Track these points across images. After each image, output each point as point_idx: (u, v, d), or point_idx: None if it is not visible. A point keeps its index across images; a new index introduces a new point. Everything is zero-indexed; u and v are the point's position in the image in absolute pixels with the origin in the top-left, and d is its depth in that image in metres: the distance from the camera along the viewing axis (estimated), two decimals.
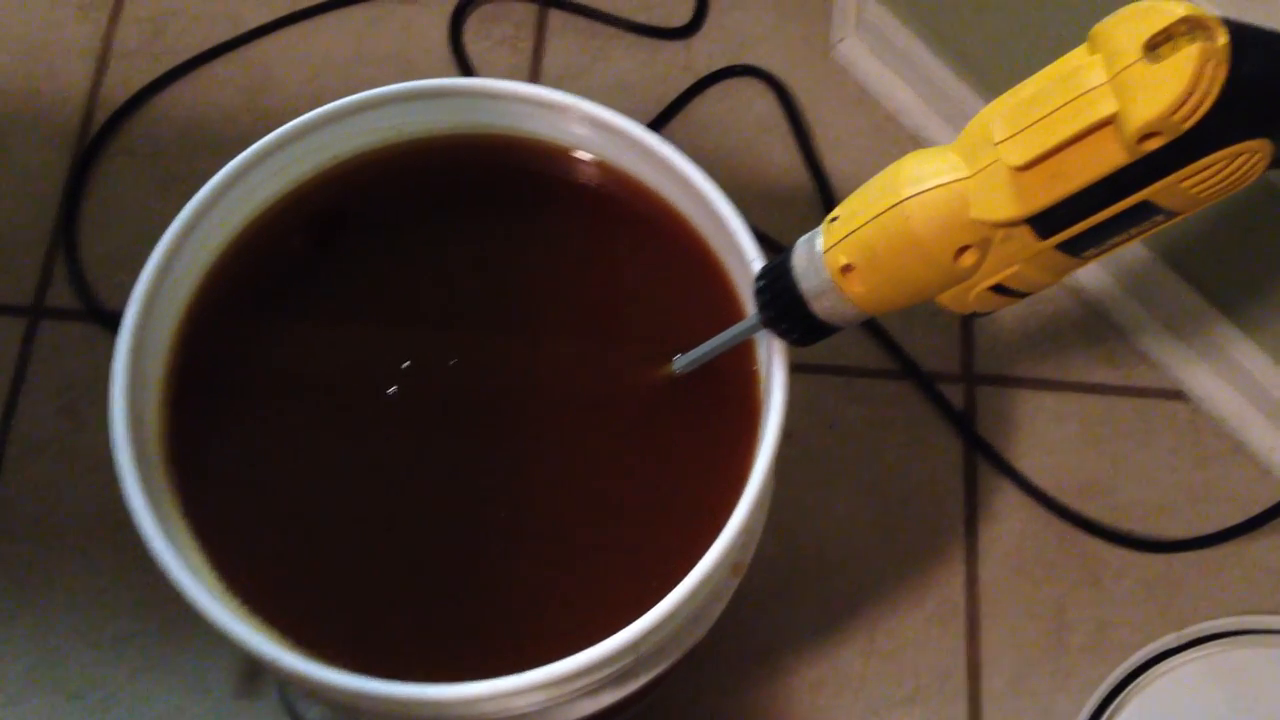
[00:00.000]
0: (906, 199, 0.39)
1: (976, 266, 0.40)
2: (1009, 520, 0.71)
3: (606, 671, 0.43)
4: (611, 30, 0.83)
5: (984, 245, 0.39)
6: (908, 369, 0.74)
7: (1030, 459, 0.72)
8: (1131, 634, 0.68)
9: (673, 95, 0.81)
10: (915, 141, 0.79)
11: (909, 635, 0.68)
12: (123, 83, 0.82)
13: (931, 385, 0.73)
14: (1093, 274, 0.74)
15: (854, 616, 0.69)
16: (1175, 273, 0.70)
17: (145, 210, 0.78)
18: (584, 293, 0.52)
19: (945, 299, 0.42)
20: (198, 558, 0.45)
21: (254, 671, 0.67)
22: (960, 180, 0.39)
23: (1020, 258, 0.39)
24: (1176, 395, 0.73)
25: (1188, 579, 0.69)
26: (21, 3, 0.85)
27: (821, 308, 0.43)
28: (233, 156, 0.50)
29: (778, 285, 0.44)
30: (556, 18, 0.84)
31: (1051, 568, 0.70)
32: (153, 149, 0.80)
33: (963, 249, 0.39)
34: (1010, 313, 0.75)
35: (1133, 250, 0.71)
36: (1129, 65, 0.34)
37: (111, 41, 0.83)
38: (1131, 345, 0.74)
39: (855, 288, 0.42)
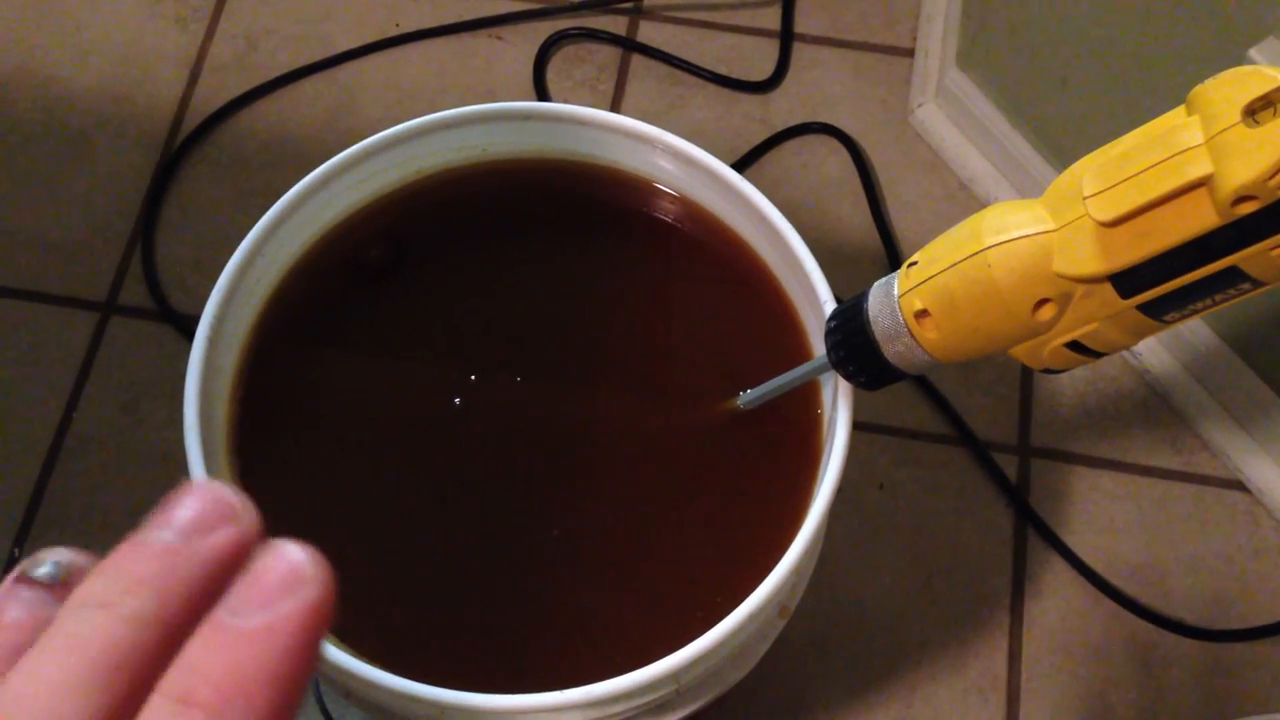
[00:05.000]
0: (989, 247, 0.39)
1: (1054, 321, 0.40)
2: (1056, 597, 0.70)
3: (647, 698, 0.43)
4: (692, 79, 0.84)
5: (1064, 300, 0.39)
6: (963, 435, 0.73)
7: (1081, 536, 0.71)
8: None
9: (747, 147, 0.82)
10: None
11: (946, 705, 0.67)
12: (212, 94, 0.84)
13: (986, 453, 0.73)
14: (1158, 357, 0.74)
15: (891, 680, 0.68)
16: (1243, 361, 0.69)
17: (222, 218, 0.80)
18: (654, 321, 0.53)
19: (1019, 352, 0.41)
20: None
21: None
22: (1045, 232, 0.38)
23: (1100, 316, 0.39)
24: (1236, 485, 0.72)
25: (1238, 671, 0.67)
26: (121, 12, 0.87)
27: (893, 352, 0.43)
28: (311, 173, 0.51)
29: (850, 326, 0.44)
30: (639, 63, 0.85)
31: (1097, 649, 0.68)
32: (235, 160, 0.82)
33: (1042, 302, 0.39)
34: (1070, 388, 0.75)
35: (1200, 336, 0.71)
36: (1228, 128, 0.34)
37: (206, 54, 0.86)
38: (1193, 431, 0.73)
39: (929, 334, 0.41)
